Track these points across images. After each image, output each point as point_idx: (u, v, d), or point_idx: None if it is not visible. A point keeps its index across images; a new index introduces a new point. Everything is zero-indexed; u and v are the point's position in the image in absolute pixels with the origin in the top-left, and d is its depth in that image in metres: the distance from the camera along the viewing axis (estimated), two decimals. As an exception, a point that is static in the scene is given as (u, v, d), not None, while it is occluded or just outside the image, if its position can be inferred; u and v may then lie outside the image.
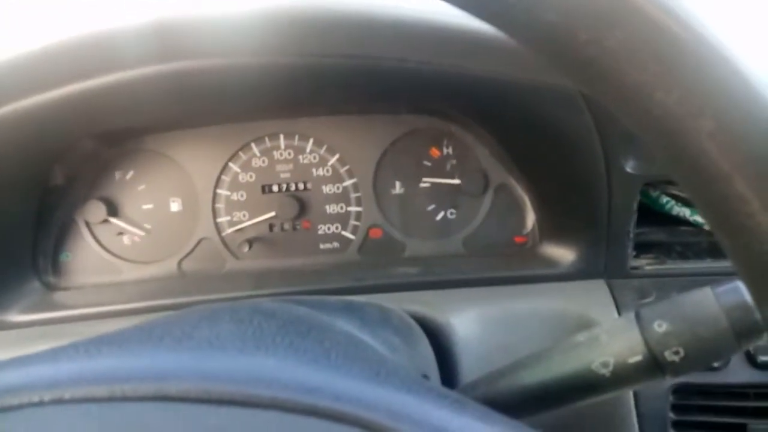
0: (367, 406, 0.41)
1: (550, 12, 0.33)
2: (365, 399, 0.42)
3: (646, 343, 0.59)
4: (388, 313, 0.85)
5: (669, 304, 0.61)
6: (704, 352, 0.58)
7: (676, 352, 0.58)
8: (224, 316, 0.56)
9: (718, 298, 0.58)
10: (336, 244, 1.20)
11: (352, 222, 1.19)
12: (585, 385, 0.63)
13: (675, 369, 0.59)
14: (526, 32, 0.36)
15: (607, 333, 0.63)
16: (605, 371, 0.61)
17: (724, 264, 1.04)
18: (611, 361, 0.61)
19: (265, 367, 0.44)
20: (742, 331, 0.57)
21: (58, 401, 0.39)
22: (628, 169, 0.95)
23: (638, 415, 0.95)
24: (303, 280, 1.12)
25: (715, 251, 1.07)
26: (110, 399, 0.39)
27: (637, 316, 0.62)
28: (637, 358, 0.60)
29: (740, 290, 0.58)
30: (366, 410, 0.40)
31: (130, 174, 1.17)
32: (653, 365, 0.59)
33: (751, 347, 0.91)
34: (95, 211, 1.15)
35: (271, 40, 0.81)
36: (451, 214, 1.18)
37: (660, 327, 0.59)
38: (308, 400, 0.40)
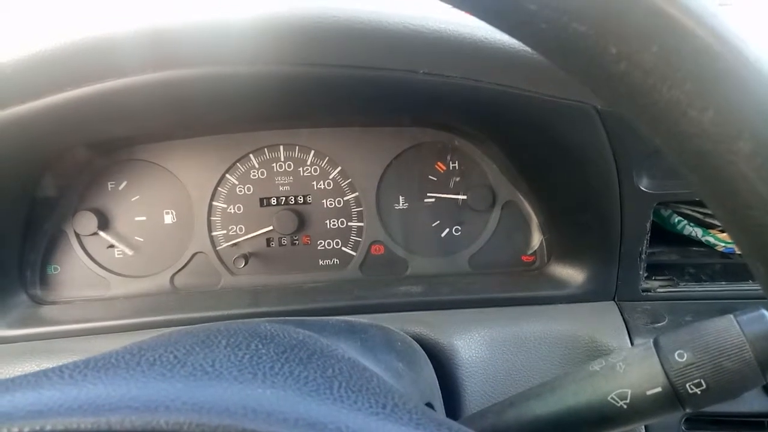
0: None
1: (579, 22, 0.31)
2: None
3: (666, 374, 0.56)
4: (392, 336, 0.82)
5: (690, 333, 0.58)
6: (727, 385, 0.55)
7: (698, 384, 0.55)
8: (220, 340, 0.52)
9: (742, 326, 0.55)
10: (336, 261, 1.16)
11: (354, 238, 1.15)
12: (600, 417, 0.60)
13: (696, 402, 0.56)
14: (551, 44, 0.34)
15: (624, 362, 0.60)
16: (622, 403, 0.58)
17: (740, 287, 1.01)
18: (629, 392, 0.58)
19: (263, 399, 0.40)
20: None
21: None
22: (642, 187, 0.91)
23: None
24: (301, 298, 1.08)
25: (729, 274, 1.04)
26: None
27: (656, 345, 0.59)
28: (656, 390, 0.56)
29: (766, 319, 0.55)
30: None
31: (123, 184, 1.13)
32: (673, 398, 0.56)
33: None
34: (86, 222, 1.11)
35: (270, 48, 0.78)
36: (456, 231, 1.15)
37: (681, 357, 0.56)
38: None
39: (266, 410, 0.38)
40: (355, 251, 1.15)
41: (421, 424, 0.43)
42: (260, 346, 0.51)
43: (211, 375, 0.44)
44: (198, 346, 0.50)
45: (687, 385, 0.55)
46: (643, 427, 0.92)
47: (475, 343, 0.94)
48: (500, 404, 0.67)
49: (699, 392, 0.55)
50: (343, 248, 1.16)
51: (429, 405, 0.73)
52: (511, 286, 1.08)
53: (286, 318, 0.84)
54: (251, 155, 1.13)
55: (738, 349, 0.54)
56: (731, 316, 0.57)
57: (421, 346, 0.88)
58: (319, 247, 1.16)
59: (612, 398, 0.58)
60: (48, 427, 0.36)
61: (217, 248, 1.15)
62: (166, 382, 0.43)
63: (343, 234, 1.15)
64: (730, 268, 1.04)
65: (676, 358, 0.56)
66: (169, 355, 0.48)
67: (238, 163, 1.13)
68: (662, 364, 0.57)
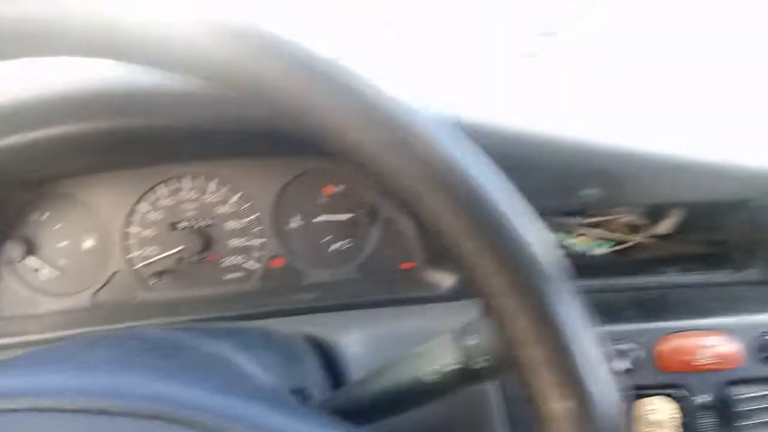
0: (201, 409, 0.52)
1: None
2: (200, 404, 0.53)
3: (462, 353, 0.70)
4: (271, 335, 0.96)
5: (481, 320, 0.70)
6: (503, 359, 0.66)
7: (486, 360, 0.68)
8: (103, 343, 0.67)
9: None
10: (240, 275, 1.30)
11: (255, 253, 1.29)
12: (419, 390, 0.73)
13: (487, 374, 0.69)
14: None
15: (438, 345, 0.73)
16: (434, 378, 0.71)
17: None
18: (438, 369, 0.71)
19: (121, 383, 0.55)
20: None
21: None
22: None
23: (510, 419, 1.05)
24: (210, 308, 1.21)
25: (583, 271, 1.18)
26: None
27: (459, 331, 0.72)
28: (458, 366, 0.70)
29: None
30: (200, 413, 0.52)
31: (46, 215, 1.26)
32: (470, 371, 0.69)
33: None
34: (14, 250, 1.23)
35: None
36: (346, 244, 1.30)
37: (472, 340, 0.69)
38: (152, 407, 0.51)
39: (122, 391, 0.54)
40: (257, 266, 1.29)
41: (255, 397, 0.58)
42: (134, 346, 0.66)
43: (90, 367, 0.59)
44: (85, 348, 0.65)
45: (476, 361, 0.70)
46: (503, 402, 1.04)
47: (357, 340, 1.08)
48: (352, 385, 0.81)
49: (487, 366, 0.70)
50: (246, 263, 1.30)
51: (299, 390, 0.87)
52: (392, 290, 1.22)
53: (180, 326, 0.98)
54: (162, 185, 1.26)
55: None
56: None
57: (314, 344, 1.02)
58: (224, 264, 1.29)
59: (426, 374, 0.72)
60: None
61: (134, 267, 1.28)
62: (55, 374, 0.57)
63: (246, 251, 1.29)
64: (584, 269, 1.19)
65: (469, 341, 0.71)
66: (63, 355, 0.63)
67: (149, 193, 1.26)
68: (460, 346, 0.71)
